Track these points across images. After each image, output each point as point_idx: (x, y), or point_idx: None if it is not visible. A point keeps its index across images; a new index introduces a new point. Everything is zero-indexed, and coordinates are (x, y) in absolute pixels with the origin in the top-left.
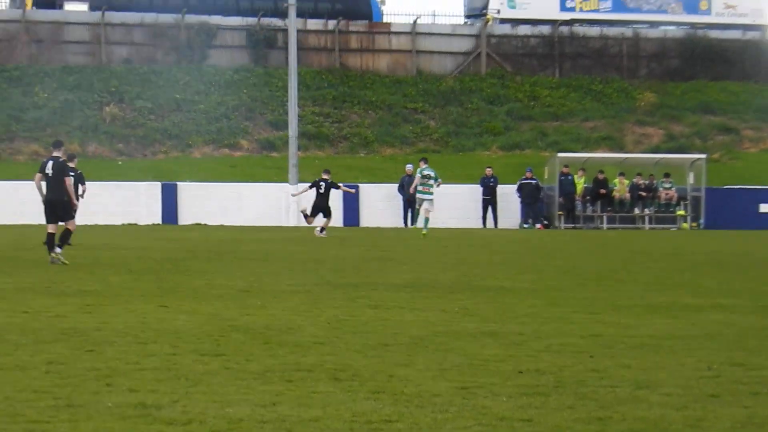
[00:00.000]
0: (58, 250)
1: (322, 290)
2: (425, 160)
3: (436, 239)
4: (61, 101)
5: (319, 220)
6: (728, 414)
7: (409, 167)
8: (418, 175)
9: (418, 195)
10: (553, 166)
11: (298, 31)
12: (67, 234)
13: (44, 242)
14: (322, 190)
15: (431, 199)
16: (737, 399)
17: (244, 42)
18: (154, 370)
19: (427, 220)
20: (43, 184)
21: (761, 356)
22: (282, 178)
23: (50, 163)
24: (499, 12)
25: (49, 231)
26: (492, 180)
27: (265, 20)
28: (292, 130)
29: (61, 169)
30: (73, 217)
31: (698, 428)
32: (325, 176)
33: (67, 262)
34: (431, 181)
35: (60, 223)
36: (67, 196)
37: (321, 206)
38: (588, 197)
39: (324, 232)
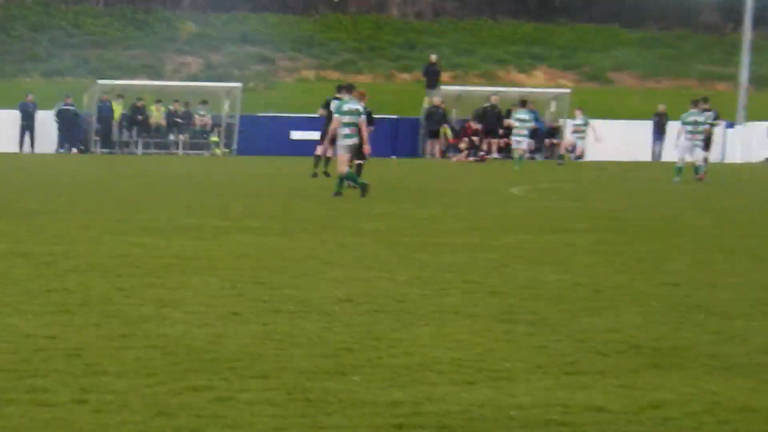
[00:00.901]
0: None
1: None
2: None
3: None
4: None
5: None
6: (248, 330)
7: None
8: None
9: None
10: (92, 93)
11: None
12: None
13: None
14: None
15: None
16: (258, 316)
17: None
18: None
19: None
20: None
21: (283, 275)
22: None
23: None
24: None
25: None
26: (31, 106)
27: None
28: None
29: None
30: None
31: (218, 344)
32: None
33: None
34: None
35: None
36: None
37: None
38: (125, 123)
39: None
